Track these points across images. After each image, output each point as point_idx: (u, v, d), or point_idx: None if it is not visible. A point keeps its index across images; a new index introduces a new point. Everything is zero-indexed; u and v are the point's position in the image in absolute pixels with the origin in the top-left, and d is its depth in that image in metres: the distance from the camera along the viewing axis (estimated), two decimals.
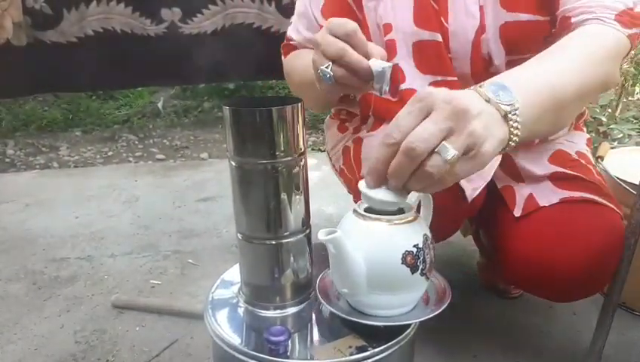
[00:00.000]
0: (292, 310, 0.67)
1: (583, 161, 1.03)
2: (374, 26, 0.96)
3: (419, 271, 0.59)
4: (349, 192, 1.15)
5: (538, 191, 0.99)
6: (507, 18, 0.89)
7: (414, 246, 0.59)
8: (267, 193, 0.62)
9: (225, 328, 0.63)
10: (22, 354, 1.19)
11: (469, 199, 0.92)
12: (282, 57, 1.11)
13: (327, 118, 1.24)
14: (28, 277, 1.51)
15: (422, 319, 0.62)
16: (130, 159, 2.74)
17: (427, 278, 0.62)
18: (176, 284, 1.46)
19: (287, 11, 1.68)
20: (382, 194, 0.58)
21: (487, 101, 0.58)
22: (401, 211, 0.61)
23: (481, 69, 0.93)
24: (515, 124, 0.59)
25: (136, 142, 3.02)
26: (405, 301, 0.62)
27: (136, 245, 1.69)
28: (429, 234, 0.62)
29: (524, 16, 0.89)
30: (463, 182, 0.91)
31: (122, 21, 2.02)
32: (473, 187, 0.93)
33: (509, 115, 0.59)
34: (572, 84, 0.70)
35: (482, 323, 1.26)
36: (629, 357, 1.14)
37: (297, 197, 0.63)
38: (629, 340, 1.19)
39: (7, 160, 2.73)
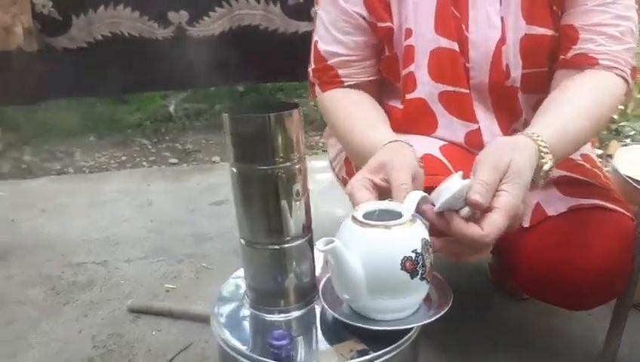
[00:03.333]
0: (296, 314, 0.68)
1: (588, 165, 1.02)
2: (398, 27, 0.95)
3: (419, 275, 0.59)
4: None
5: (545, 199, 0.98)
6: (526, 31, 0.90)
7: (413, 251, 0.59)
8: (267, 199, 0.63)
9: (230, 332, 0.65)
10: (42, 358, 1.22)
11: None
12: (316, 87, 1.03)
13: (327, 127, 1.24)
14: (46, 283, 1.54)
15: (423, 323, 0.62)
16: (144, 163, 2.77)
17: (427, 282, 0.62)
18: (190, 288, 1.48)
19: (293, 12, 1.69)
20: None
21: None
22: (399, 216, 0.62)
23: (499, 80, 0.93)
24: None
25: (149, 147, 3.05)
26: (406, 305, 0.63)
27: (150, 249, 1.72)
28: (428, 238, 0.62)
29: (541, 30, 0.90)
30: None
31: (130, 25, 2.04)
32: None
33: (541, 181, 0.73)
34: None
35: (494, 324, 1.26)
36: None
37: (297, 202, 0.64)
38: None
39: (24, 166, 2.78)
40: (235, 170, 0.63)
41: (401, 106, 0.99)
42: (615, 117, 2.14)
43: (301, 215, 0.65)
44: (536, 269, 0.95)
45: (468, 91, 0.93)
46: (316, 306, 0.69)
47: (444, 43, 0.91)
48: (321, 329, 0.66)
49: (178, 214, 2.00)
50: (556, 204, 0.97)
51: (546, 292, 0.98)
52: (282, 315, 0.67)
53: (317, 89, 1.03)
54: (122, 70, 2.62)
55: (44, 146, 3.04)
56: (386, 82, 1.05)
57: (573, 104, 0.83)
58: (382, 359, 0.59)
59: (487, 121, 0.96)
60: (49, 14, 2.09)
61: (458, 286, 1.46)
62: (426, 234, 0.62)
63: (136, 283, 1.52)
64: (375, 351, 0.59)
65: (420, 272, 0.59)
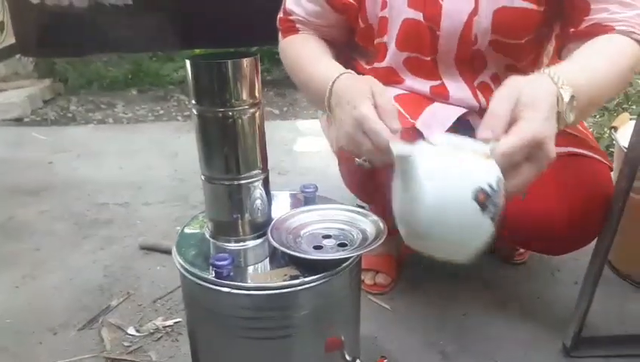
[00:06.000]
0: (251, 243, 0.74)
1: None
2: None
3: (488, 212, 0.55)
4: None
5: None
6: (503, 3, 0.90)
7: (489, 185, 0.54)
8: (224, 138, 0.69)
9: (187, 256, 0.73)
10: (58, 282, 1.36)
11: None
12: (279, 34, 1.10)
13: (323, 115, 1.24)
14: (71, 218, 1.68)
15: (351, 255, 0.68)
16: (179, 118, 2.89)
17: (493, 224, 0.56)
18: None
19: None
20: None
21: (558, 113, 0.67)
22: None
23: (466, 48, 0.95)
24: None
25: (186, 103, 3.16)
26: (465, 240, 0.58)
27: (169, 195, 1.83)
28: (504, 180, 0.58)
29: (518, 3, 0.90)
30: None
31: None
32: None
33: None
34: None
35: (477, 282, 1.30)
36: (623, 328, 1.13)
37: (251, 143, 0.70)
38: (627, 312, 1.19)
39: (70, 114, 2.95)
40: (195, 112, 0.70)
41: (367, 67, 1.04)
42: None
43: (255, 156, 0.71)
44: (509, 211, 0.99)
45: (429, 59, 0.97)
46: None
47: (411, 14, 0.93)
48: (269, 258, 0.73)
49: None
50: None
51: (518, 234, 1.01)
52: (237, 244, 0.74)
53: (279, 35, 1.10)
54: (165, 27, 2.73)
55: (89, 97, 3.21)
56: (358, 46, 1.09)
57: (594, 50, 0.82)
58: (308, 285, 0.65)
59: (450, 77, 0.99)
60: None
61: None
62: (501, 175, 0.57)
63: (151, 224, 1.63)
64: (305, 277, 0.66)
65: (492, 210, 0.55)
